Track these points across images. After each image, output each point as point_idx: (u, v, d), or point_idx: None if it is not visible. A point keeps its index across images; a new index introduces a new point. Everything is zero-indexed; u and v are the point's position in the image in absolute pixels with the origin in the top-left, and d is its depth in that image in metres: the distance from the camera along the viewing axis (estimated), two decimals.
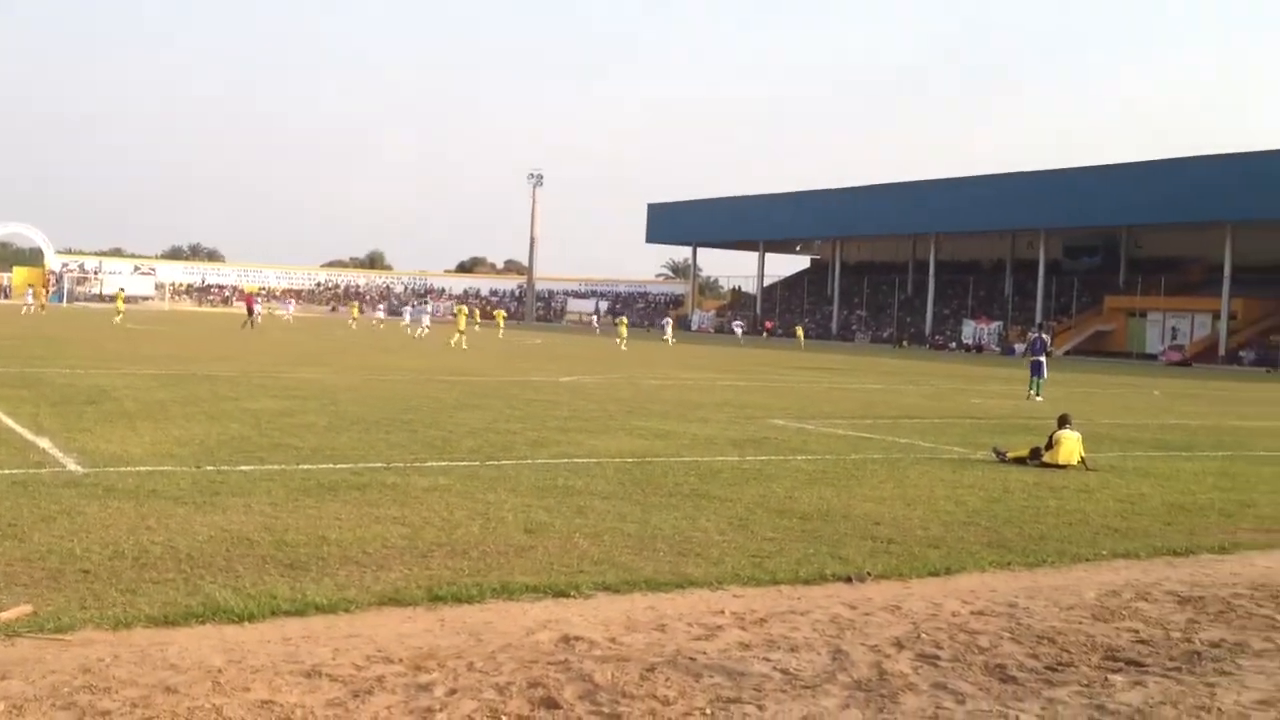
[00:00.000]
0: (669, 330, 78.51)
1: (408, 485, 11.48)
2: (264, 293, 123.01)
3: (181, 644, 6.29)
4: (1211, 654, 7.05)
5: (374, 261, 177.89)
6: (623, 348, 57.52)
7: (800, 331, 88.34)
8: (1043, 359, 32.30)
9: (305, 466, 12.45)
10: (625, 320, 67.40)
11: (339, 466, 12.57)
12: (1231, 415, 28.45)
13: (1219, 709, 6.01)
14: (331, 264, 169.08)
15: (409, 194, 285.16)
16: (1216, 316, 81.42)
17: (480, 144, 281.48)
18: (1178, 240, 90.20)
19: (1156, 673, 6.61)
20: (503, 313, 66.20)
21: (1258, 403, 33.93)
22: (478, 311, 64.38)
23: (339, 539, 8.91)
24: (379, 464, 12.90)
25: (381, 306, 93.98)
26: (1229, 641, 7.35)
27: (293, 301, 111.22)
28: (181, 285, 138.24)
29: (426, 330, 65.67)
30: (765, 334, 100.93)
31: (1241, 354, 76.45)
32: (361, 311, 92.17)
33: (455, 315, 56.24)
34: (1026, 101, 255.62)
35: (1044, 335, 34.62)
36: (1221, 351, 78.39)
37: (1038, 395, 31.09)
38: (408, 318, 75.57)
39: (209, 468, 12.08)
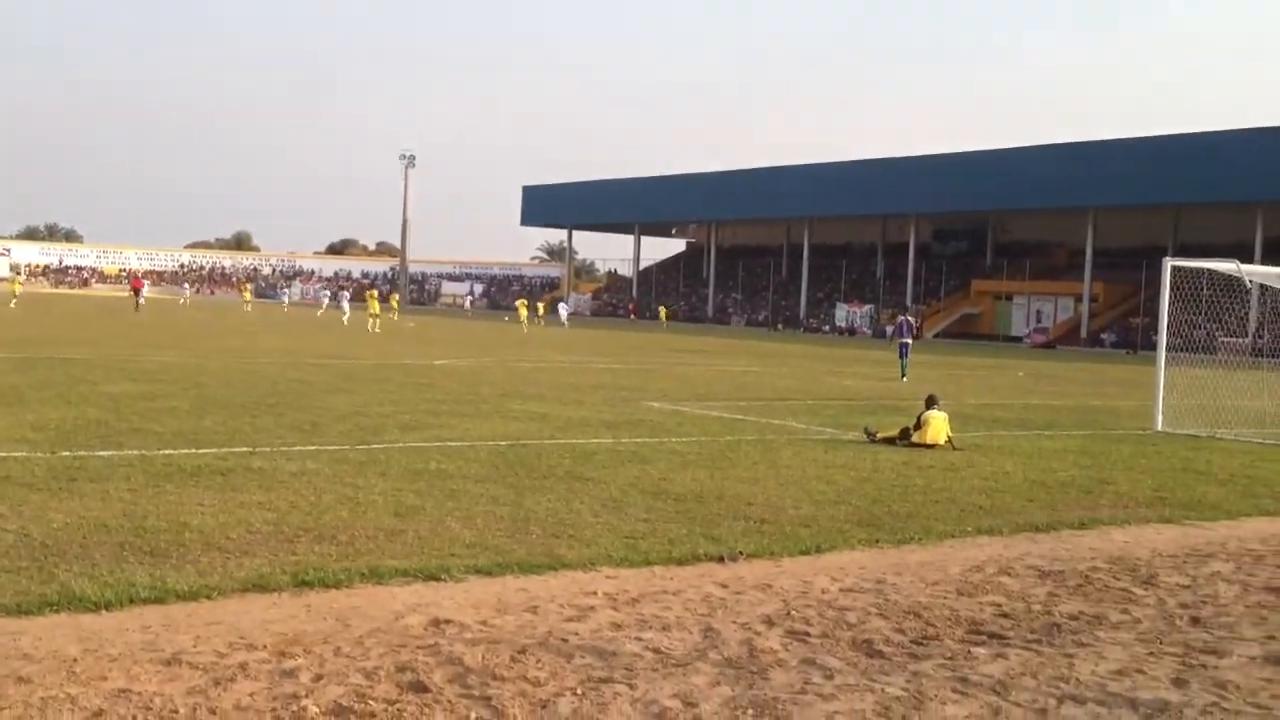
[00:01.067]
0: (564, 312, 79.35)
1: (274, 470, 11.23)
2: (154, 275, 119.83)
3: (36, 633, 6.08)
4: (1070, 626, 7.24)
5: (240, 242, 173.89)
6: (525, 330, 57.78)
7: (665, 312, 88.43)
8: (909, 341, 33.03)
9: (166, 451, 12.10)
10: (525, 303, 67.67)
11: (202, 451, 12.24)
12: (1093, 396, 29.36)
13: (1076, 679, 6.17)
14: (196, 245, 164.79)
15: (277, 174, 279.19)
16: (1079, 300, 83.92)
17: (350, 124, 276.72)
18: (1042, 225, 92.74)
19: (1017, 645, 6.76)
20: (374, 293, 65.19)
21: (1118, 383, 35.05)
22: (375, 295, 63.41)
23: (201, 525, 8.66)
24: (244, 448, 12.59)
25: (250, 288, 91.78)
26: (1087, 614, 7.56)
27: (187, 285, 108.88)
28: (38, 266, 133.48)
29: (347, 314, 64.02)
30: (631, 316, 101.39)
31: (1103, 336, 78.94)
32: (255, 294, 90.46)
33: (367, 299, 56.36)
34: (898, 88, 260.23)
35: (910, 318, 35.99)
36: (1084, 334, 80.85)
37: (904, 375, 31.84)
38: (326, 302, 73.49)
39: (65, 453, 11.67)
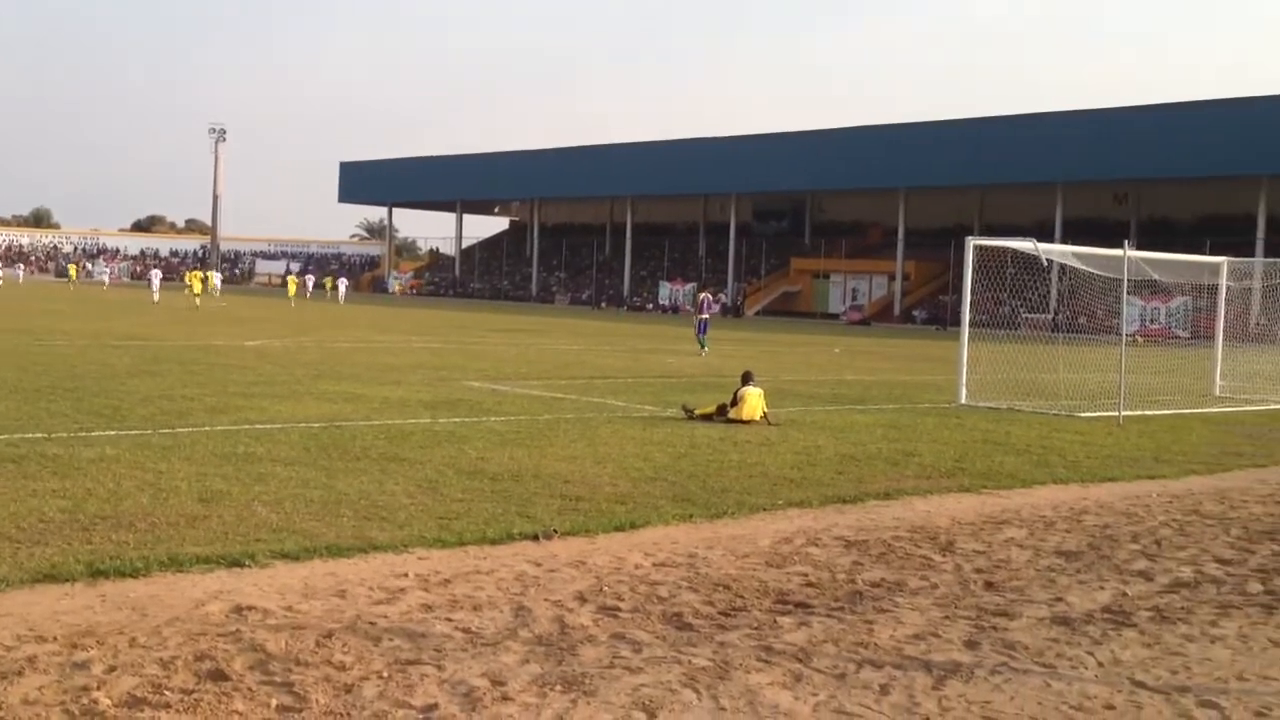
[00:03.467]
0: (342, 289, 79.45)
1: (71, 456, 10.76)
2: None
3: None
4: (872, 593, 7.47)
5: (40, 219, 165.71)
6: (292, 305, 58.15)
7: (343, 286, 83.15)
8: (706, 317, 34.30)
9: None
10: (295, 278, 66.79)
11: None
12: (903, 371, 30.33)
13: (875, 644, 6.37)
14: None
15: (77, 148, 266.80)
16: (892, 278, 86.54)
17: (156, 96, 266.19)
18: (858, 205, 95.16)
19: (821, 613, 6.95)
20: (199, 274, 63.05)
21: (927, 359, 36.26)
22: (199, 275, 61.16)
23: None
24: (39, 434, 12.04)
25: (51, 266, 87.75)
26: (889, 581, 7.81)
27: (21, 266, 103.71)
28: None
29: (157, 294, 61.35)
30: (415, 292, 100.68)
31: (915, 313, 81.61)
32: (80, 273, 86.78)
33: (189, 279, 55.23)
34: (724, 68, 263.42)
35: (709, 296, 38.64)
36: (897, 311, 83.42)
37: (704, 350, 33.06)
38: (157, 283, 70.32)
39: None
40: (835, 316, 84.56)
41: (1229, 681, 6.02)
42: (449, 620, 6.45)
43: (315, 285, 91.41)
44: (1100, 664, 6.21)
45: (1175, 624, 7.03)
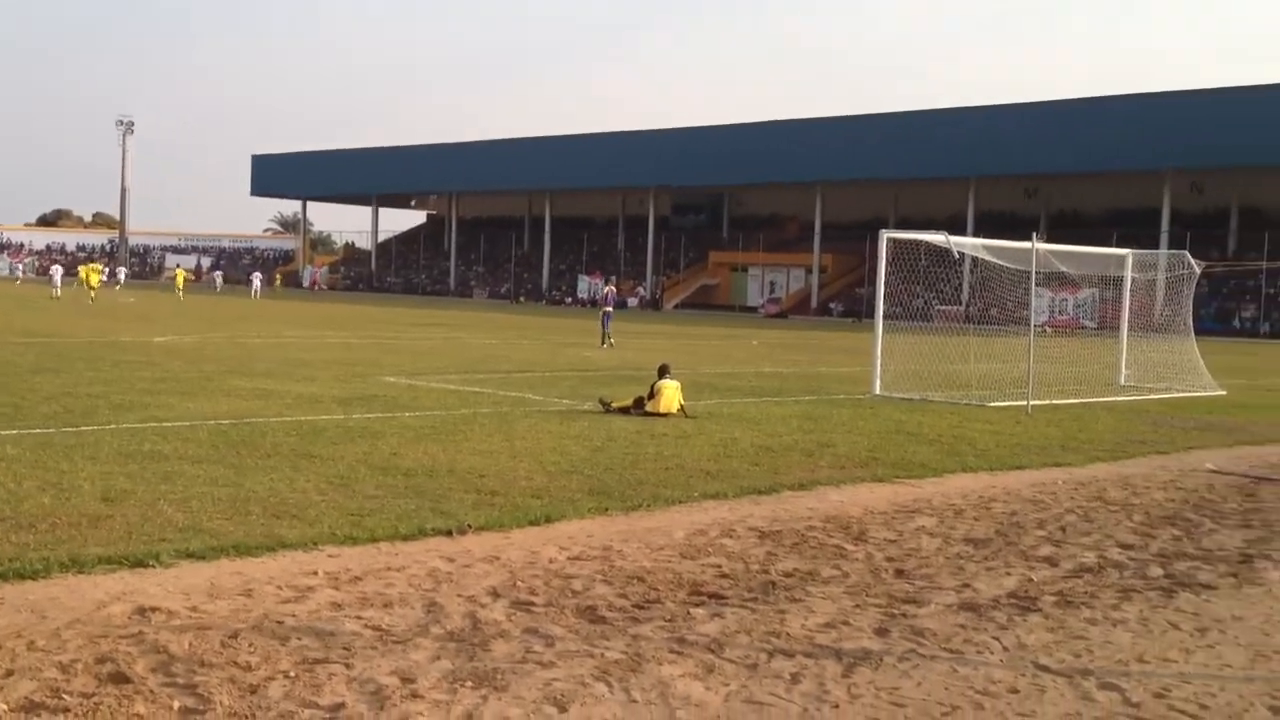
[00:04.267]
0: (256, 284, 78.65)
1: None
2: None
3: None
4: (785, 583, 7.52)
5: None
6: (181, 298, 58.62)
7: (257, 281, 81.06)
8: (611, 310, 34.67)
9: None
10: (183, 271, 66.44)
11: None
12: (820, 363, 30.60)
13: (787, 633, 6.42)
14: None
15: None
16: (809, 271, 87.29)
17: (60, 88, 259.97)
18: (775, 199, 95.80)
19: (735, 603, 6.98)
20: (95, 268, 61.63)
21: (843, 351, 36.61)
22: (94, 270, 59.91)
23: None
24: None
25: None
26: (802, 571, 7.87)
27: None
28: None
29: (59, 289, 59.91)
30: (315, 285, 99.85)
31: (831, 306, 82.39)
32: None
33: (83, 273, 54.49)
34: (638, 64, 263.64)
35: (612, 289, 38.96)
36: (814, 304, 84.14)
37: (609, 343, 33.11)
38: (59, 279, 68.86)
39: None
40: (753, 309, 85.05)
41: (1129, 664, 6.15)
42: (359, 618, 6.38)
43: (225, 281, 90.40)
44: (1005, 649, 6.31)
45: (1079, 608, 7.17)
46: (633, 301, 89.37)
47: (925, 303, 38.70)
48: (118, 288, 66.00)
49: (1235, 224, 74.93)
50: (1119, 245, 31.39)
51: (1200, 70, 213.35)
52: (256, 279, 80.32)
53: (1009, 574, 7.98)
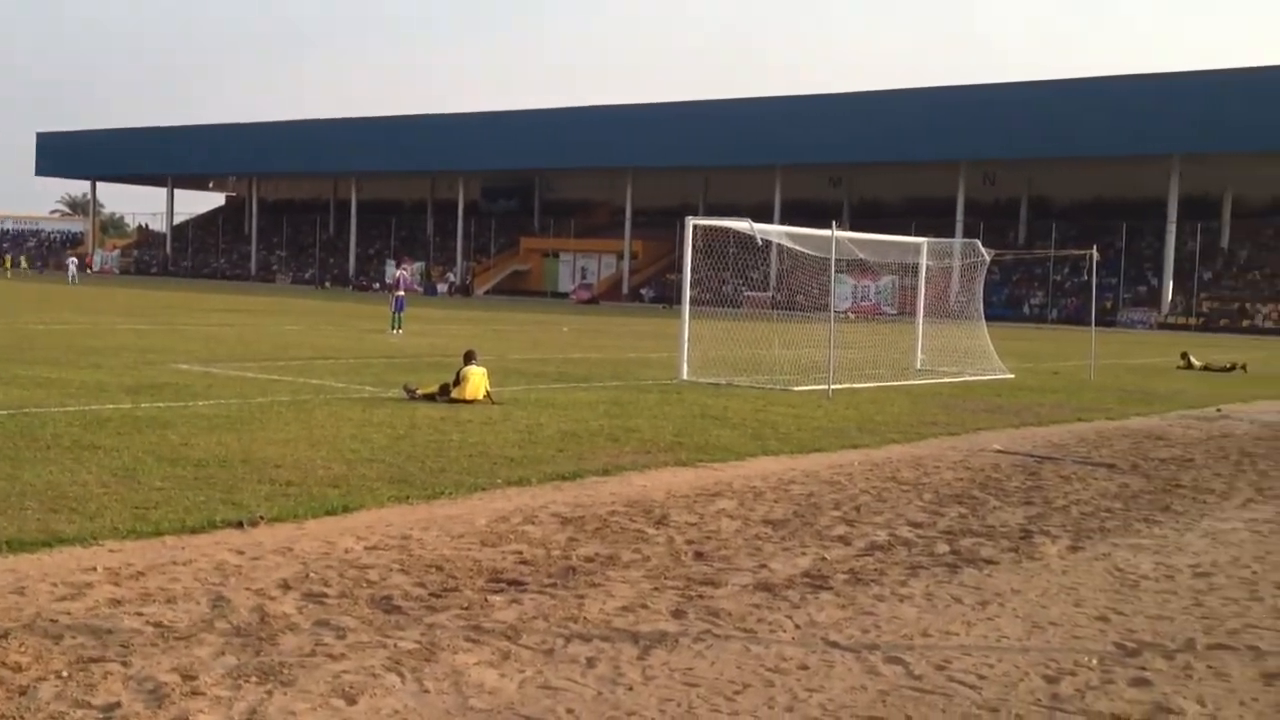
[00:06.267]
0: (72, 269, 75.33)
1: None
2: None
3: None
4: (586, 568, 7.52)
5: None
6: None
7: (73, 266, 78.19)
8: (403, 294, 34.17)
9: None
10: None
11: None
12: (629, 349, 30.79)
13: (585, 618, 6.42)
14: None
15: None
16: (620, 256, 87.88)
17: None
18: (586, 184, 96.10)
19: (534, 590, 6.94)
20: None
21: (653, 336, 36.91)
22: None
23: None
24: None
25: None
26: (602, 555, 7.89)
27: None
28: None
29: None
30: (88, 270, 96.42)
31: (642, 291, 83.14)
32: None
33: None
34: (455, 46, 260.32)
35: (404, 273, 38.84)
36: (625, 290, 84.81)
37: (399, 330, 32.60)
38: None
39: None
40: (565, 295, 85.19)
41: (914, 638, 6.35)
42: (139, 615, 6.11)
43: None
44: (798, 626, 6.44)
45: (869, 585, 7.37)
46: (443, 288, 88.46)
47: (734, 289, 39.38)
48: None
49: (1025, 214, 78.54)
50: (917, 234, 32.49)
51: (1006, 67, 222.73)
52: (72, 264, 76.72)
53: (804, 554, 8.16)
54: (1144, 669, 5.96)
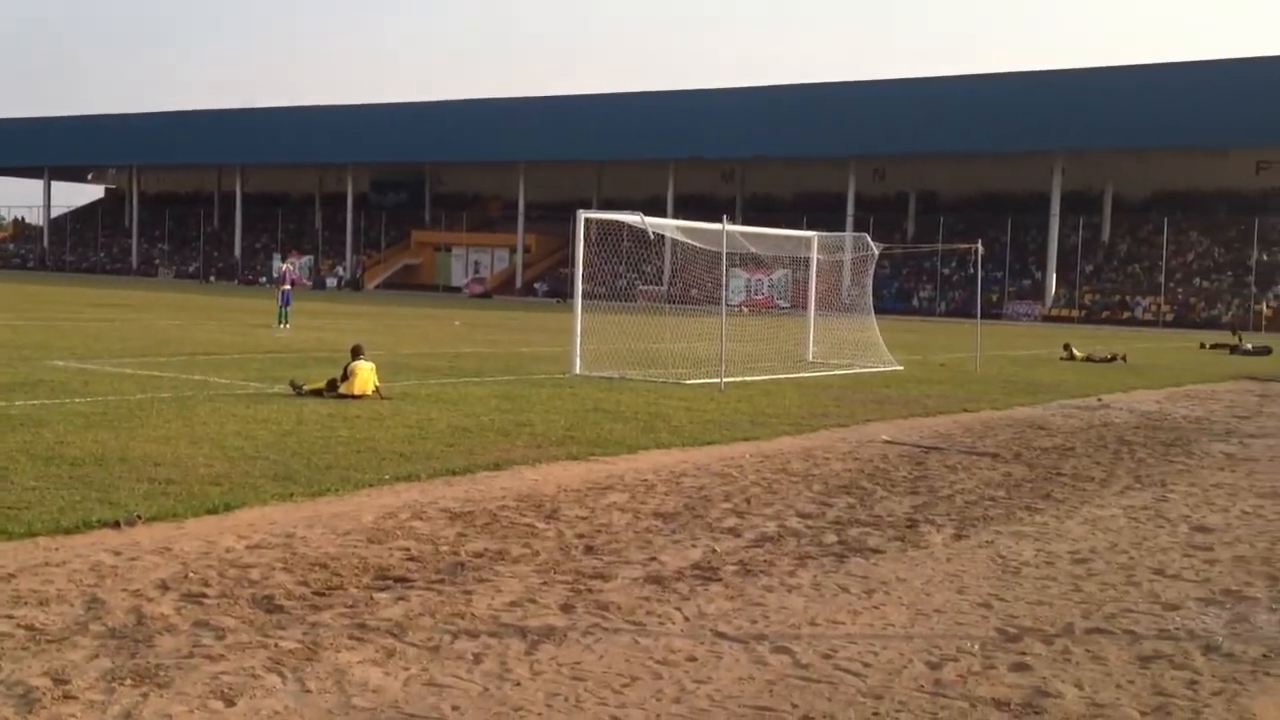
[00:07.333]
0: None
1: None
2: None
3: None
4: (474, 564, 7.44)
5: None
6: None
7: None
8: (289, 288, 33.72)
9: None
10: None
11: None
12: (522, 343, 30.64)
13: (473, 614, 6.35)
14: None
15: None
16: (513, 251, 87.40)
17: None
18: (478, 178, 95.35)
19: (421, 586, 6.85)
20: None
21: (546, 330, 36.77)
22: None
23: None
24: None
25: None
26: (492, 550, 7.81)
27: None
28: None
29: None
30: None
31: (536, 286, 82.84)
32: None
33: None
34: (331, 36, 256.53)
35: (290, 267, 38.32)
36: (519, 284, 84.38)
37: (286, 325, 32.16)
38: None
39: None
40: (458, 289, 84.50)
41: (801, 627, 6.40)
42: (9, 618, 5.90)
43: None
44: (687, 618, 6.45)
45: (758, 576, 7.42)
46: (332, 282, 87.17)
47: (629, 283, 39.47)
48: None
49: (914, 209, 79.85)
50: (809, 228, 32.87)
51: (893, 63, 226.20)
52: None
53: (694, 546, 8.18)
54: (1024, 654, 6.08)
